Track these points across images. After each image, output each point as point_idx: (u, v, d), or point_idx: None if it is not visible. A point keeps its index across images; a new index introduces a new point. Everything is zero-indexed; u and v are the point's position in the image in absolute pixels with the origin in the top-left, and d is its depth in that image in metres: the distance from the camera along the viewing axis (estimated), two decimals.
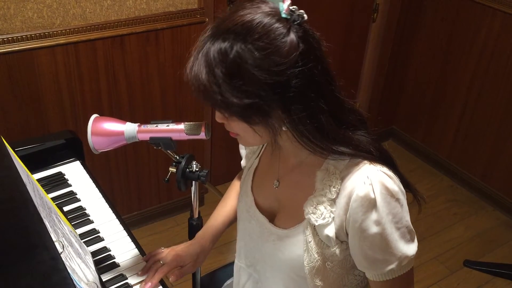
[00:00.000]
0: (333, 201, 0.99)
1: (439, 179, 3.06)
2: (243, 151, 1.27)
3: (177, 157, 1.25)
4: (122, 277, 1.24)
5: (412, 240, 0.99)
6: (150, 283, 1.20)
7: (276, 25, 0.87)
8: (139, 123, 1.20)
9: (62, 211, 1.39)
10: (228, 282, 1.46)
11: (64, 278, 0.78)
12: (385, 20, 2.91)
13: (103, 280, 1.22)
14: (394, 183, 0.96)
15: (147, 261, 1.27)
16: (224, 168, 2.80)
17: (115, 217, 1.44)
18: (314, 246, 1.02)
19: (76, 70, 2.00)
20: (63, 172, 1.58)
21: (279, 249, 1.09)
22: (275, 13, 0.89)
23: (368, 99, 3.16)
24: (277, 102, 0.89)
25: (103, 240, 1.36)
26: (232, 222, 1.36)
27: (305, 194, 1.03)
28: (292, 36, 0.88)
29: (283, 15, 0.88)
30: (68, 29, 1.91)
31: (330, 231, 0.99)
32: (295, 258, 1.05)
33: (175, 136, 1.18)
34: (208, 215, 1.39)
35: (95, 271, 1.13)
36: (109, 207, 1.47)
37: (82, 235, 1.36)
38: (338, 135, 0.96)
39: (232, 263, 1.35)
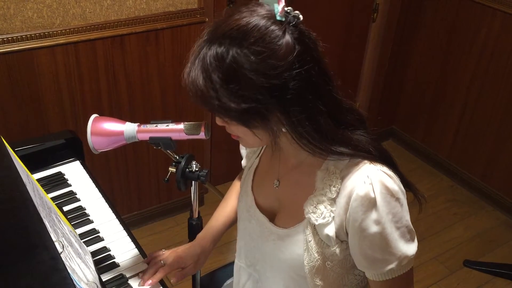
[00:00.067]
0: (333, 201, 0.99)
1: (439, 179, 3.06)
2: (243, 151, 1.27)
3: (177, 157, 1.25)
4: (122, 277, 1.24)
5: (412, 240, 0.99)
6: (150, 281, 1.20)
7: (272, 28, 0.87)
8: (138, 123, 1.20)
9: (62, 211, 1.39)
10: (228, 282, 1.46)
11: (64, 278, 0.78)
12: (385, 20, 2.91)
13: (103, 280, 1.22)
14: (394, 183, 0.96)
15: (148, 263, 1.27)
16: (223, 168, 2.80)
17: (115, 217, 1.44)
18: (314, 246, 1.02)
19: (76, 70, 2.00)
20: (63, 172, 1.58)
21: (279, 249, 1.09)
22: (271, 16, 0.88)
23: (368, 99, 3.16)
24: (275, 105, 0.89)
25: (103, 240, 1.36)
26: (233, 223, 1.36)
27: (305, 193, 1.03)
28: (288, 38, 0.87)
29: (278, 18, 0.88)
30: (68, 29, 1.91)
31: (330, 230, 0.99)
32: (295, 257, 1.05)
33: (175, 136, 1.18)
34: (208, 215, 1.39)
35: (95, 271, 1.13)
36: (109, 207, 1.47)
37: (82, 235, 1.36)
38: (336, 136, 0.96)
39: (232, 263, 1.35)
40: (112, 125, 1.20)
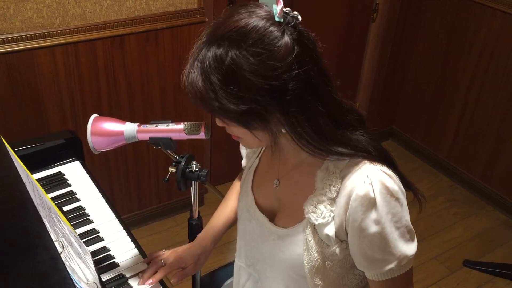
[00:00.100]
0: (333, 200, 0.99)
1: (438, 179, 3.06)
2: (243, 150, 1.28)
3: (177, 157, 1.25)
4: (121, 277, 1.24)
5: (411, 240, 0.99)
6: (150, 280, 1.21)
7: (270, 29, 0.87)
8: (138, 123, 1.21)
9: (61, 211, 1.39)
10: (228, 281, 1.46)
11: (64, 278, 0.78)
12: (384, 20, 2.91)
13: (103, 280, 1.22)
14: (394, 183, 0.96)
15: (148, 263, 1.27)
16: (224, 168, 2.80)
17: (115, 217, 1.44)
18: (314, 245, 1.02)
19: (75, 70, 2.00)
20: (62, 172, 1.58)
21: (279, 249, 1.09)
22: (269, 17, 0.88)
23: (368, 99, 3.16)
24: (275, 106, 0.89)
25: (102, 240, 1.36)
26: (233, 223, 1.36)
27: (305, 193, 1.03)
28: (287, 39, 0.87)
29: (277, 19, 0.88)
30: (67, 29, 1.91)
31: (330, 230, 0.99)
32: (295, 257, 1.05)
33: (175, 136, 1.18)
34: (208, 215, 1.39)
35: (95, 271, 1.13)
36: (109, 207, 1.47)
37: (81, 235, 1.36)
38: (336, 136, 0.96)
39: (232, 263, 1.35)
40: (112, 125, 1.20)
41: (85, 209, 1.45)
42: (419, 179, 3.01)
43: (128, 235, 1.38)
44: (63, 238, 1.02)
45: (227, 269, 1.51)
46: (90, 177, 1.57)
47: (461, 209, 2.83)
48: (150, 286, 1.22)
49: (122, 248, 1.33)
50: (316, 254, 1.02)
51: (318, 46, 0.93)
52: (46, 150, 1.58)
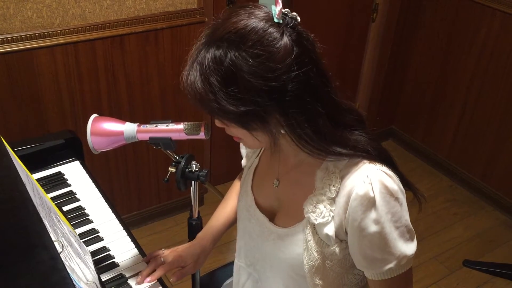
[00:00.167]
0: (332, 200, 0.99)
1: (438, 179, 3.06)
2: (243, 150, 1.28)
3: (177, 157, 1.25)
4: (121, 276, 1.24)
5: (411, 240, 0.99)
6: (149, 278, 1.21)
7: (269, 30, 0.87)
8: (138, 123, 1.21)
9: (61, 210, 1.39)
10: (228, 281, 1.46)
11: (64, 278, 0.78)
12: (384, 20, 2.91)
13: (103, 279, 1.22)
14: (393, 182, 0.96)
15: (147, 263, 1.27)
16: (223, 168, 2.80)
17: (115, 216, 1.44)
18: (314, 245, 1.02)
19: (75, 70, 2.00)
20: (62, 172, 1.58)
21: (279, 248, 1.09)
22: (268, 18, 0.88)
23: (368, 99, 3.16)
24: (274, 107, 0.89)
25: (102, 240, 1.36)
26: (233, 223, 1.36)
27: (305, 193, 1.03)
28: (286, 40, 0.87)
29: (276, 20, 0.88)
30: (67, 29, 1.91)
31: (330, 229, 1.00)
32: (294, 257, 1.05)
33: (175, 136, 1.18)
34: (207, 215, 1.39)
35: (95, 271, 1.13)
36: (109, 206, 1.47)
37: (81, 235, 1.36)
38: (335, 137, 0.96)
39: (231, 263, 1.35)
40: (112, 125, 1.20)
41: (85, 209, 1.45)
42: (419, 179, 3.01)
43: (128, 235, 1.38)
44: (62, 238, 1.02)
45: (226, 269, 1.51)
46: (90, 177, 1.57)
47: (461, 209, 2.83)
48: (150, 284, 1.22)
49: (121, 248, 1.33)
50: (315, 254, 1.02)
51: (317, 47, 0.93)
52: (46, 150, 1.58)
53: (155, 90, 2.23)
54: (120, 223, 1.42)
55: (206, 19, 2.19)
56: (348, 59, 2.98)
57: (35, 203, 0.93)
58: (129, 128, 1.19)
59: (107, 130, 1.19)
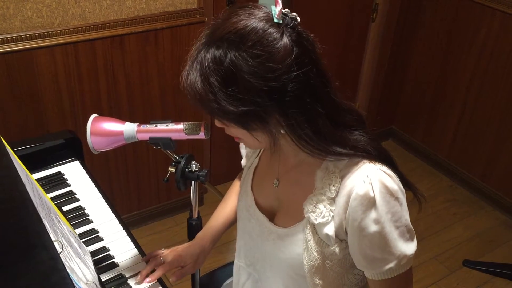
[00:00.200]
0: (332, 200, 0.99)
1: (438, 179, 3.06)
2: (243, 150, 1.28)
3: (177, 157, 1.25)
4: (121, 277, 1.24)
5: (411, 239, 0.99)
6: (149, 278, 1.21)
7: (269, 30, 0.87)
8: (138, 123, 1.20)
9: (61, 210, 1.39)
10: (228, 281, 1.46)
11: (63, 278, 0.78)
12: (384, 20, 2.91)
13: (102, 280, 1.22)
14: (393, 182, 0.96)
15: (147, 262, 1.27)
16: (223, 168, 2.80)
17: (115, 217, 1.44)
18: (314, 245, 1.02)
19: (75, 70, 2.00)
20: (62, 172, 1.58)
21: (279, 248, 1.09)
22: (268, 19, 0.88)
23: (368, 99, 3.16)
24: (274, 107, 0.89)
25: (102, 240, 1.36)
26: (233, 223, 1.36)
27: (305, 193, 1.03)
28: (286, 40, 0.87)
29: (276, 20, 0.88)
30: (67, 29, 1.91)
31: (330, 229, 1.00)
32: (294, 257, 1.05)
33: (175, 136, 1.18)
34: (207, 215, 1.39)
35: (94, 271, 1.13)
36: (109, 206, 1.47)
37: (81, 235, 1.36)
38: (335, 137, 0.96)
39: (231, 263, 1.35)
40: (112, 125, 1.20)
41: (85, 209, 1.45)
42: (419, 179, 3.01)
43: (127, 235, 1.38)
44: (62, 238, 1.02)
45: (226, 269, 1.51)
46: (90, 177, 1.57)
47: (460, 209, 2.83)
48: (149, 284, 1.22)
49: (121, 248, 1.33)
50: (315, 254, 1.02)
51: (317, 47, 0.93)
52: (46, 150, 1.58)
53: (155, 90, 2.23)
54: (120, 223, 1.42)
55: (206, 19, 2.19)
56: (348, 59, 2.98)
57: (34, 203, 0.93)
58: (129, 128, 1.19)
59: (107, 130, 1.19)
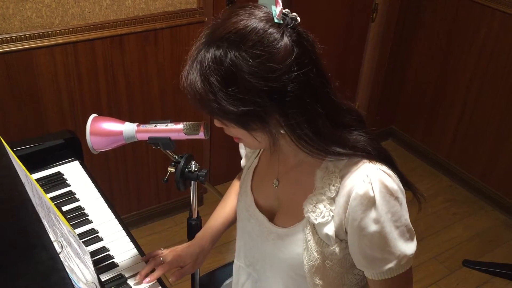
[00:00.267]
0: (332, 200, 0.99)
1: (438, 179, 3.06)
2: (243, 150, 1.28)
3: (176, 157, 1.25)
4: (121, 277, 1.24)
5: (411, 239, 0.99)
6: (148, 278, 1.21)
7: (270, 30, 0.87)
8: (138, 123, 1.20)
9: (61, 211, 1.39)
10: (227, 281, 1.46)
11: (63, 278, 0.78)
12: (384, 20, 2.91)
13: (102, 280, 1.22)
14: (393, 182, 0.96)
15: (146, 262, 1.27)
16: (223, 168, 2.80)
17: (114, 217, 1.43)
18: (314, 245, 1.02)
19: (75, 70, 2.00)
20: (62, 172, 1.58)
21: (278, 248, 1.09)
22: (268, 19, 0.88)
23: (368, 99, 3.16)
24: (274, 107, 0.89)
25: (102, 240, 1.36)
26: (232, 223, 1.36)
27: (305, 192, 1.03)
28: (286, 40, 0.87)
29: (276, 20, 0.88)
30: (67, 29, 1.91)
31: (330, 229, 0.99)
32: (294, 257, 1.05)
33: (174, 136, 1.18)
34: (207, 215, 1.39)
35: (94, 271, 1.13)
36: (108, 207, 1.47)
37: (81, 235, 1.36)
38: (334, 137, 0.96)
39: (231, 263, 1.35)
40: (111, 125, 1.20)
41: (84, 209, 1.45)
42: (419, 179, 3.01)
43: (127, 235, 1.38)
44: (62, 238, 1.02)
45: (226, 269, 1.51)
46: (89, 177, 1.57)
47: (460, 209, 2.83)
48: (149, 284, 1.22)
49: (121, 248, 1.33)
50: (315, 254, 1.02)
51: (317, 47, 0.93)
52: (45, 150, 1.58)
53: (155, 90, 2.23)
54: (119, 223, 1.41)
55: (206, 19, 2.19)
56: (347, 59, 2.98)
57: (34, 203, 0.93)
58: (128, 128, 1.19)
59: (106, 130, 1.19)
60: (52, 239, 0.88)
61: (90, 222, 1.41)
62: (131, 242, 1.35)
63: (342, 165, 0.99)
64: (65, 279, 0.78)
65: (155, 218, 2.58)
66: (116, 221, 1.42)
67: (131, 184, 2.41)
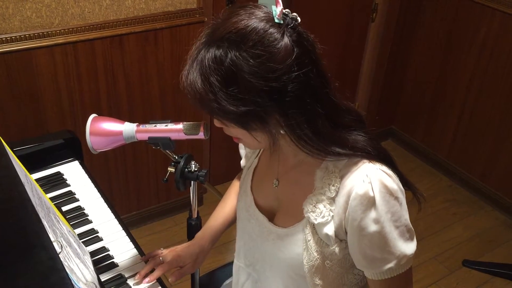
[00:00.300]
0: (332, 200, 0.99)
1: (438, 179, 3.06)
2: (242, 150, 1.27)
3: (176, 157, 1.25)
4: (120, 277, 1.24)
5: (411, 239, 0.99)
6: (148, 278, 1.20)
7: (270, 30, 0.87)
8: (137, 123, 1.20)
9: (60, 211, 1.39)
10: (227, 282, 1.46)
11: (63, 278, 0.78)
12: (384, 20, 2.91)
13: (102, 280, 1.22)
14: (393, 182, 0.96)
15: (146, 262, 1.27)
16: (223, 168, 2.80)
17: (114, 217, 1.43)
18: (314, 245, 1.02)
19: (74, 70, 2.00)
20: (61, 172, 1.58)
21: (278, 248, 1.09)
22: (269, 19, 0.88)
23: (367, 99, 3.16)
24: (274, 107, 0.89)
25: (101, 240, 1.36)
26: (232, 223, 1.36)
27: (305, 192, 1.03)
28: (286, 40, 0.87)
29: (276, 20, 0.88)
30: (66, 29, 1.91)
31: (330, 229, 0.99)
32: (294, 257, 1.05)
33: (174, 136, 1.18)
34: (207, 215, 1.39)
35: (94, 271, 1.13)
36: (108, 207, 1.47)
37: (80, 235, 1.36)
38: (334, 137, 0.96)
39: (231, 263, 1.35)
40: (111, 125, 1.20)
41: (84, 209, 1.45)
42: (419, 179, 3.01)
43: (127, 235, 1.38)
44: (61, 238, 1.02)
45: (226, 269, 1.50)
46: (89, 177, 1.57)
47: (460, 209, 2.83)
48: (149, 284, 1.21)
49: (121, 248, 1.33)
50: (315, 254, 1.02)
51: (317, 48, 0.93)
52: (45, 150, 1.58)
53: (155, 90, 2.23)
54: (119, 223, 1.41)
55: (206, 19, 2.19)
56: (347, 59, 2.98)
57: (34, 203, 0.93)
58: (128, 128, 1.19)
59: (106, 130, 1.19)
60: (52, 239, 0.88)
61: (90, 222, 1.41)
62: (130, 242, 1.35)
63: (342, 165, 0.99)
64: (65, 279, 0.78)
65: (155, 218, 2.58)
66: (116, 221, 1.42)
67: (131, 184, 2.41)
